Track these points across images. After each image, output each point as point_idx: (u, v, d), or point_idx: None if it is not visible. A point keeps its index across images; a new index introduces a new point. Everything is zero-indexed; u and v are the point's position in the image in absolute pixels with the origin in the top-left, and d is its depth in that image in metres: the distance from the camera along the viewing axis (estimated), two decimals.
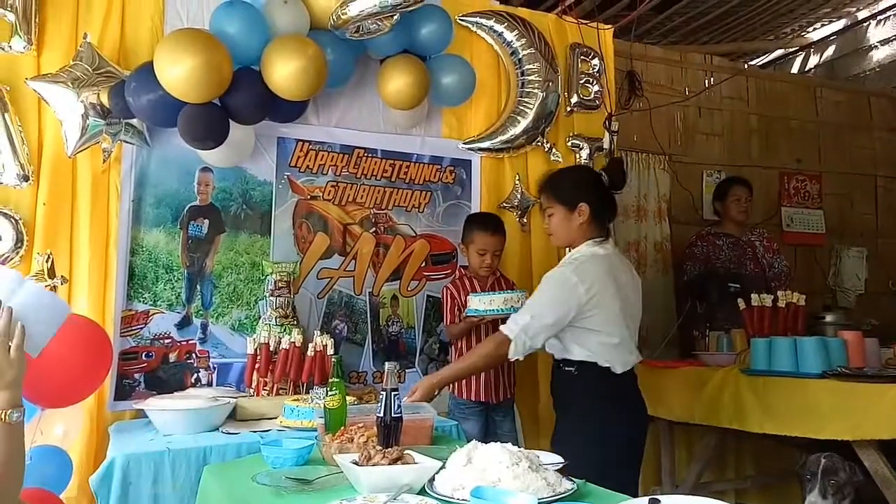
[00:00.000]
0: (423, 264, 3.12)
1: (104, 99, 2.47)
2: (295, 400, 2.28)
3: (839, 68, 5.91)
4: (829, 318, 3.65)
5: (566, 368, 2.30)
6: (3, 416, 1.18)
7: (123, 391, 2.55)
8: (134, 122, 2.54)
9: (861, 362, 2.81)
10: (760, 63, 6.17)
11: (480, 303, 2.61)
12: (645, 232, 4.27)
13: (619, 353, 2.26)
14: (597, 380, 2.25)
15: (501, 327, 2.28)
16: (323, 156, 2.96)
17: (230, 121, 2.51)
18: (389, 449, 1.59)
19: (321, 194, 2.95)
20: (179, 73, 2.29)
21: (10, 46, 2.40)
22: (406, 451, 1.59)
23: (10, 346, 1.25)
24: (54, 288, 2.29)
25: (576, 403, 2.29)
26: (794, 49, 6.09)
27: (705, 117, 4.69)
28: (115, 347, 2.50)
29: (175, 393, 2.49)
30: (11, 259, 2.35)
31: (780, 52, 6.17)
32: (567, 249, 2.46)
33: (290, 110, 2.72)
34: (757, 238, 4.01)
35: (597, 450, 2.12)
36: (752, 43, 5.74)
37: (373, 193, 3.04)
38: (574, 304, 2.19)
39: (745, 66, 5.25)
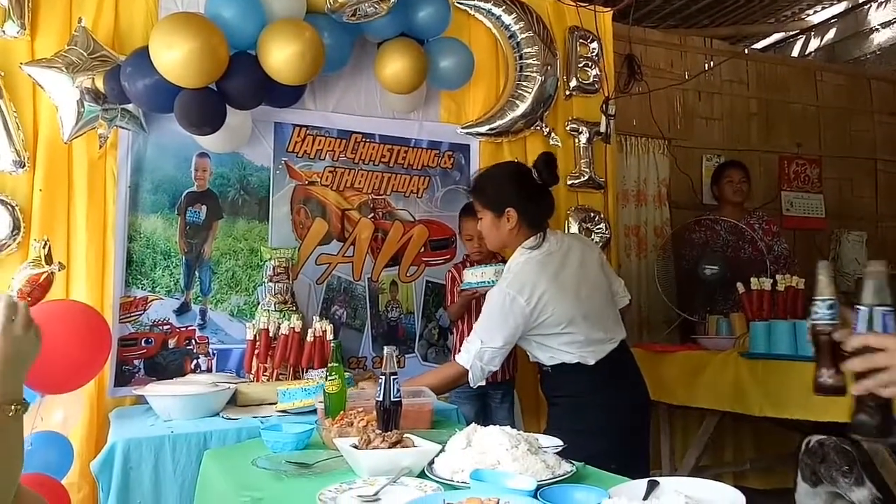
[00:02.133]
0: (422, 250, 3.12)
1: (99, 84, 2.45)
2: (288, 385, 2.26)
3: (840, 51, 5.87)
4: None
5: (544, 369, 2.29)
6: (11, 412, 1.15)
7: (123, 377, 2.55)
8: (130, 107, 2.52)
9: None
10: (761, 46, 6.13)
11: (472, 276, 2.65)
12: (645, 216, 4.26)
13: (586, 346, 2.20)
14: (574, 376, 2.21)
15: (456, 357, 2.21)
16: (320, 141, 2.94)
17: (227, 106, 2.49)
18: (389, 433, 1.59)
19: (319, 180, 2.94)
20: (175, 58, 2.27)
21: (4, 31, 2.38)
22: (406, 435, 1.59)
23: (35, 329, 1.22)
24: (52, 274, 2.27)
25: (560, 398, 2.27)
26: (794, 32, 6.04)
27: (705, 101, 4.67)
28: (115, 334, 2.50)
29: (175, 379, 2.49)
30: (8, 246, 2.34)
31: (780, 35, 6.12)
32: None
33: (287, 95, 2.70)
34: (756, 221, 4.00)
35: (587, 439, 2.01)
36: (752, 26, 5.70)
37: (371, 179, 3.03)
38: (520, 319, 2.13)
39: (745, 49, 5.22)
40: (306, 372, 2.52)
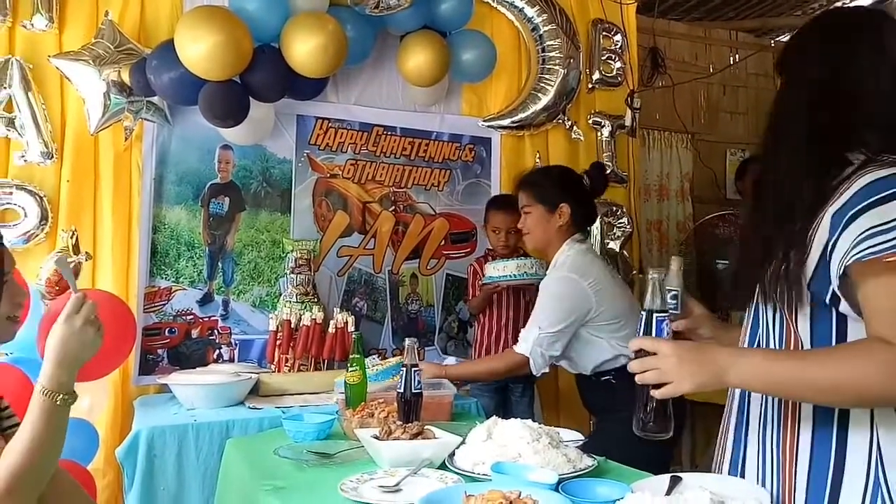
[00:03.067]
0: (443, 243, 3.12)
1: (125, 77, 2.47)
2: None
3: None
4: None
5: (603, 379, 2.19)
6: (58, 400, 1.19)
7: (147, 366, 2.59)
8: (155, 99, 2.55)
9: None
10: (787, 39, 6.02)
11: (494, 270, 2.63)
12: (667, 211, 4.23)
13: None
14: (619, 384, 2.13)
15: (514, 347, 2.18)
16: (342, 134, 2.95)
17: (250, 98, 2.51)
18: (410, 424, 1.60)
19: (340, 172, 2.95)
20: (200, 51, 2.29)
21: (32, 24, 2.41)
22: (426, 427, 1.60)
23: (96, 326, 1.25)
24: (79, 264, 2.31)
25: (623, 409, 2.14)
26: None
27: (730, 95, 4.61)
28: (139, 323, 2.53)
29: (197, 368, 2.52)
30: (36, 236, 2.38)
31: None
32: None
33: (310, 88, 2.71)
34: None
35: (646, 443, 2.05)
36: (778, 18, 5.58)
37: (392, 172, 3.03)
38: (582, 302, 2.13)
39: (772, 42, 5.12)
40: (327, 363, 2.54)
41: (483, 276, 2.81)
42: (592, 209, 2.36)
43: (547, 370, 2.20)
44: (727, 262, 3.61)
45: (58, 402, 1.17)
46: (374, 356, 2.54)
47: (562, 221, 2.23)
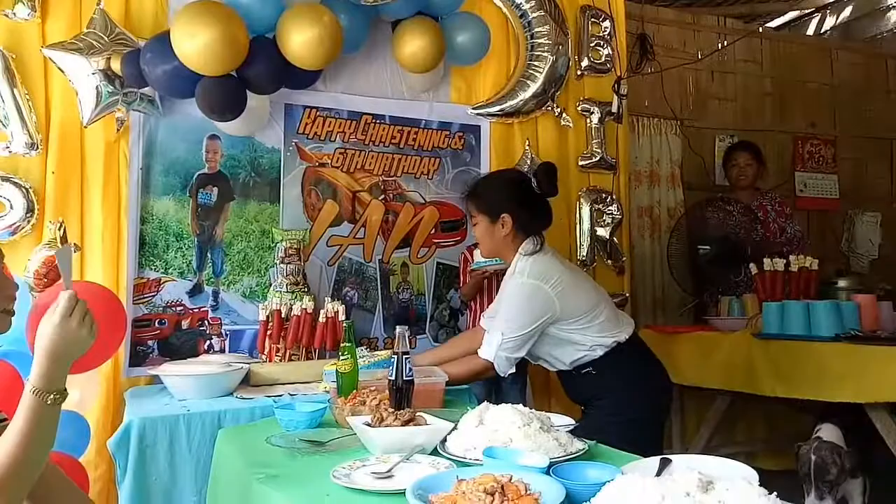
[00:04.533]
0: (433, 231, 3.11)
1: (115, 66, 2.45)
2: (332, 365, 2.17)
3: (856, 30, 5.77)
4: (841, 283, 3.62)
5: (584, 371, 2.22)
6: (48, 400, 1.18)
7: (138, 358, 2.58)
8: (147, 90, 2.52)
9: (875, 325, 2.80)
10: (775, 25, 6.03)
11: (481, 255, 2.63)
12: (658, 197, 4.23)
13: (615, 323, 2.22)
14: (617, 360, 2.19)
15: (479, 351, 2.20)
16: (331, 122, 2.93)
17: (247, 91, 2.49)
18: (402, 411, 1.61)
19: (329, 161, 2.93)
20: (196, 47, 2.26)
21: (14, 13, 2.38)
22: (418, 413, 1.60)
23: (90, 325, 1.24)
24: None
25: (608, 396, 2.20)
26: (809, 10, 5.94)
27: (718, 81, 4.61)
28: (129, 315, 2.51)
29: (188, 359, 2.51)
30: (23, 228, 2.36)
31: (795, 13, 6.02)
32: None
33: (305, 78, 2.69)
34: (769, 203, 3.97)
35: (636, 422, 2.12)
36: (766, 4, 5.60)
37: (381, 160, 3.02)
38: (545, 305, 2.13)
39: (760, 28, 5.13)
40: (318, 352, 2.54)
41: (473, 262, 2.82)
42: (543, 213, 2.31)
43: (513, 370, 2.22)
44: (708, 247, 3.63)
45: (48, 402, 1.17)
46: (363, 348, 2.54)
47: (505, 231, 2.23)
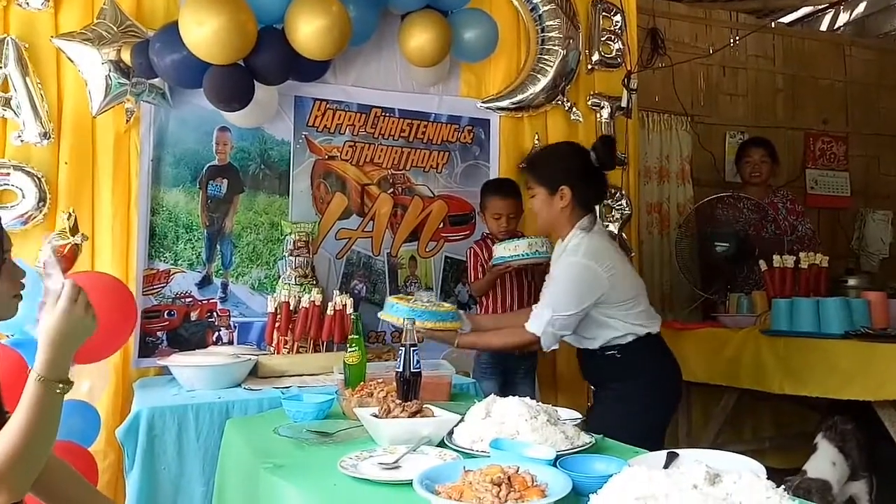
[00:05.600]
0: (441, 225, 3.11)
1: (125, 57, 2.46)
2: (399, 298, 2.25)
3: (869, 26, 5.71)
4: (851, 281, 3.60)
5: (608, 353, 2.23)
6: (56, 390, 1.19)
7: (147, 348, 2.59)
8: (156, 81, 2.53)
9: (885, 323, 2.77)
10: (788, 21, 5.98)
11: (505, 250, 2.62)
12: (668, 193, 4.22)
13: (650, 316, 2.25)
14: (642, 349, 2.21)
15: (526, 325, 2.21)
16: (340, 115, 2.94)
17: (254, 81, 2.49)
18: (409, 402, 1.61)
19: (339, 154, 2.94)
20: (204, 34, 2.26)
21: (28, 3, 2.39)
22: (425, 405, 1.61)
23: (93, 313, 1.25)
24: (77, 245, 2.31)
25: (625, 381, 2.22)
26: (823, 6, 5.88)
27: (729, 76, 4.59)
28: (138, 306, 2.53)
29: (197, 350, 2.52)
30: (35, 217, 2.38)
31: (808, 9, 5.96)
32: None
33: (313, 69, 2.69)
34: (780, 200, 3.94)
35: (644, 415, 2.17)
36: (779, 0, 5.56)
37: (390, 153, 3.02)
38: (597, 286, 2.15)
39: (772, 23, 5.09)
40: (326, 345, 2.55)
41: (485, 258, 2.81)
42: (600, 187, 2.34)
43: (556, 346, 2.25)
44: (727, 244, 3.61)
45: (53, 390, 1.18)
46: (428, 291, 2.50)
47: (563, 203, 2.22)
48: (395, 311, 2.18)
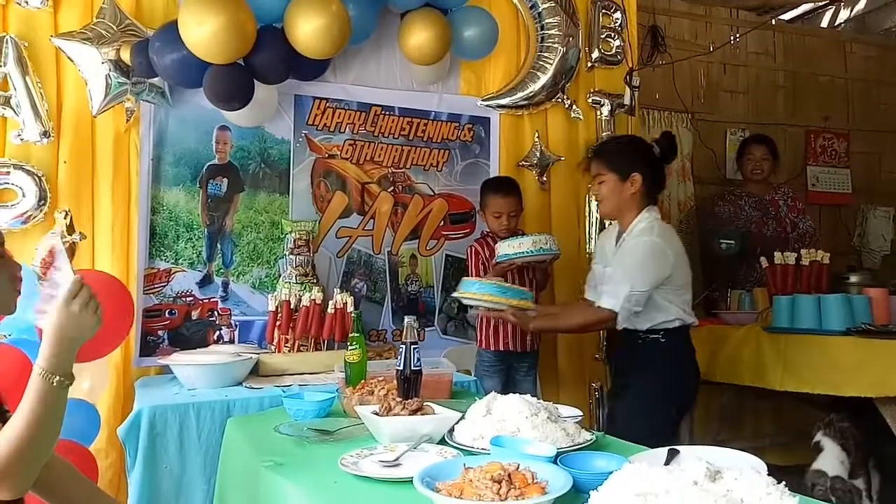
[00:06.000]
0: (442, 224, 3.11)
1: (124, 56, 2.46)
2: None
3: (870, 22, 5.69)
4: (853, 278, 3.59)
5: (652, 337, 2.33)
6: (54, 381, 1.19)
7: (148, 347, 2.59)
8: (156, 81, 2.53)
9: (886, 319, 2.77)
10: (788, 17, 5.97)
11: (510, 247, 2.61)
12: (668, 191, 4.19)
13: (690, 306, 2.39)
14: (683, 337, 2.37)
15: (602, 301, 2.30)
16: (340, 114, 2.93)
17: (254, 81, 2.49)
18: (409, 400, 1.61)
19: (339, 153, 2.94)
20: (204, 34, 2.26)
21: (27, 2, 2.39)
22: (426, 403, 1.61)
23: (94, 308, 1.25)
24: (74, 244, 2.31)
25: (659, 368, 2.32)
26: (823, 2, 5.87)
27: (730, 74, 4.58)
28: (139, 305, 2.54)
29: (198, 349, 2.53)
30: (35, 217, 2.38)
31: (809, 5, 5.95)
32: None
33: (313, 68, 2.69)
34: (781, 198, 3.93)
35: (670, 405, 2.34)
36: None
37: (390, 152, 3.02)
38: (666, 267, 2.28)
39: (773, 20, 5.08)
40: (327, 343, 2.55)
41: (486, 256, 2.80)
42: (662, 177, 2.49)
43: (627, 324, 2.33)
44: (732, 242, 3.59)
45: (55, 384, 1.18)
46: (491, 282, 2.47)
47: (633, 189, 2.37)
48: (470, 288, 2.31)
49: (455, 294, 2.39)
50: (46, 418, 1.17)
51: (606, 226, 3.29)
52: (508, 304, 2.29)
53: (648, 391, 2.31)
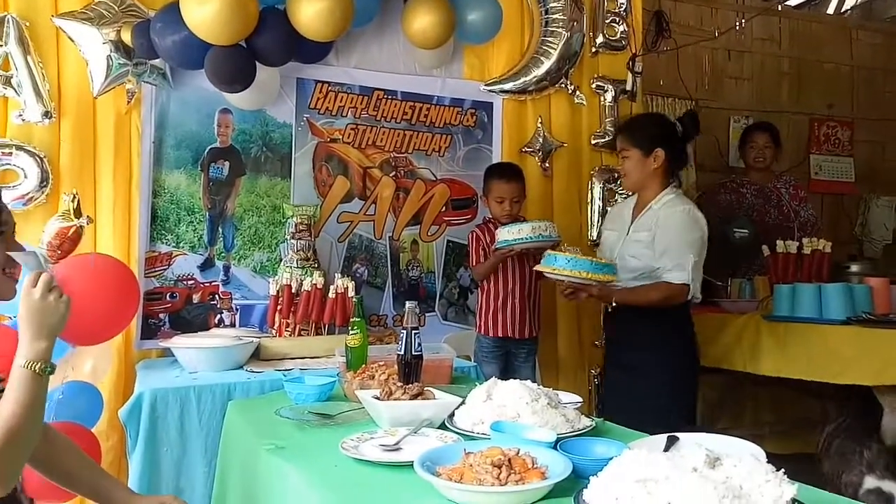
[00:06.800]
0: (444, 209, 3.10)
1: (125, 37, 2.44)
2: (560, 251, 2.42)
3: (877, 9, 5.65)
4: (854, 267, 3.59)
5: (670, 311, 2.42)
6: (36, 368, 1.20)
7: (149, 330, 2.60)
8: (158, 62, 2.52)
9: (887, 309, 2.77)
10: (794, 3, 5.92)
11: (509, 233, 2.61)
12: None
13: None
14: (688, 311, 2.50)
15: (671, 276, 2.36)
16: (342, 97, 2.92)
17: (256, 63, 2.48)
18: (410, 385, 1.62)
19: (341, 137, 2.92)
20: (206, 15, 2.24)
21: None
22: (426, 388, 1.61)
23: (57, 295, 1.26)
24: (81, 228, 2.30)
25: (684, 342, 2.49)
26: None
27: (735, 60, 4.55)
28: (140, 288, 2.53)
29: (199, 332, 2.53)
30: (37, 199, 2.37)
31: None
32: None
33: (315, 51, 2.67)
34: (783, 186, 3.92)
35: (694, 379, 2.54)
36: None
37: (392, 136, 3.00)
38: (705, 237, 2.42)
39: (779, 6, 5.04)
40: (328, 328, 2.56)
41: (487, 242, 2.80)
42: (684, 155, 2.62)
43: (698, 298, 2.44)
44: (746, 231, 3.58)
45: (36, 371, 1.19)
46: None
47: (656, 165, 2.46)
48: (554, 263, 2.33)
49: (538, 268, 2.43)
50: (31, 408, 1.18)
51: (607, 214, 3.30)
52: (594, 279, 2.32)
53: (676, 367, 2.43)
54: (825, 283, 2.90)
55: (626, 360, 2.53)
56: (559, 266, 2.32)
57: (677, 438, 1.27)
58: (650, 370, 2.42)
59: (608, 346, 2.81)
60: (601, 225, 3.14)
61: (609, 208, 3.12)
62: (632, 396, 2.39)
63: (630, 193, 2.75)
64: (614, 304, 2.44)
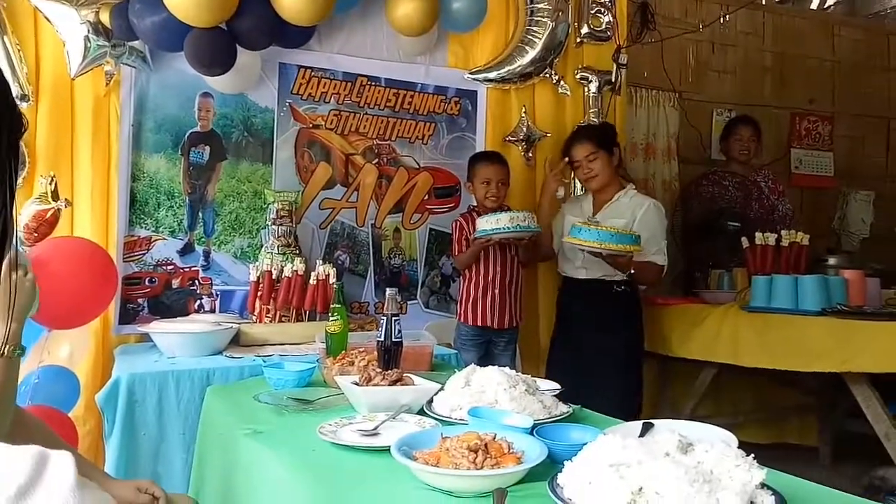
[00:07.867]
0: (426, 197, 3.10)
1: (104, 18, 2.40)
2: (583, 222, 2.64)
3: (859, 5, 5.71)
4: (832, 260, 3.63)
5: (622, 287, 2.84)
6: (6, 351, 1.18)
7: (128, 315, 2.58)
8: (136, 44, 2.48)
9: (861, 301, 2.82)
10: None
11: (488, 223, 2.62)
12: (653, 170, 4.21)
13: None
14: (637, 294, 2.92)
15: (652, 257, 2.77)
16: (325, 83, 2.90)
17: (237, 46, 2.45)
18: (389, 371, 1.62)
19: (323, 123, 2.90)
20: None
21: None
22: (406, 374, 1.62)
23: (23, 273, 1.23)
24: (58, 211, 2.27)
25: (638, 318, 2.93)
26: None
27: (718, 53, 4.56)
28: (119, 272, 2.51)
29: (178, 318, 2.51)
30: None
31: None
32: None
33: (297, 35, 2.64)
34: (762, 179, 3.95)
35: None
36: None
37: (376, 123, 2.99)
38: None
39: (763, 0, 5.07)
40: (308, 314, 2.55)
41: (470, 231, 2.80)
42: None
43: None
44: (737, 223, 3.61)
45: (6, 354, 1.17)
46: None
47: (615, 161, 2.88)
48: (579, 234, 2.54)
49: (566, 239, 2.68)
50: (3, 391, 1.17)
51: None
52: (622, 250, 2.53)
53: (634, 344, 2.88)
54: (801, 276, 2.94)
55: (584, 339, 2.85)
56: (582, 238, 2.55)
57: (652, 425, 1.28)
58: (614, 345, 2.81)
59: (561, 322, 3.03)
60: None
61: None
62: (581, 373, 2.65)
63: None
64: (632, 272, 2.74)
